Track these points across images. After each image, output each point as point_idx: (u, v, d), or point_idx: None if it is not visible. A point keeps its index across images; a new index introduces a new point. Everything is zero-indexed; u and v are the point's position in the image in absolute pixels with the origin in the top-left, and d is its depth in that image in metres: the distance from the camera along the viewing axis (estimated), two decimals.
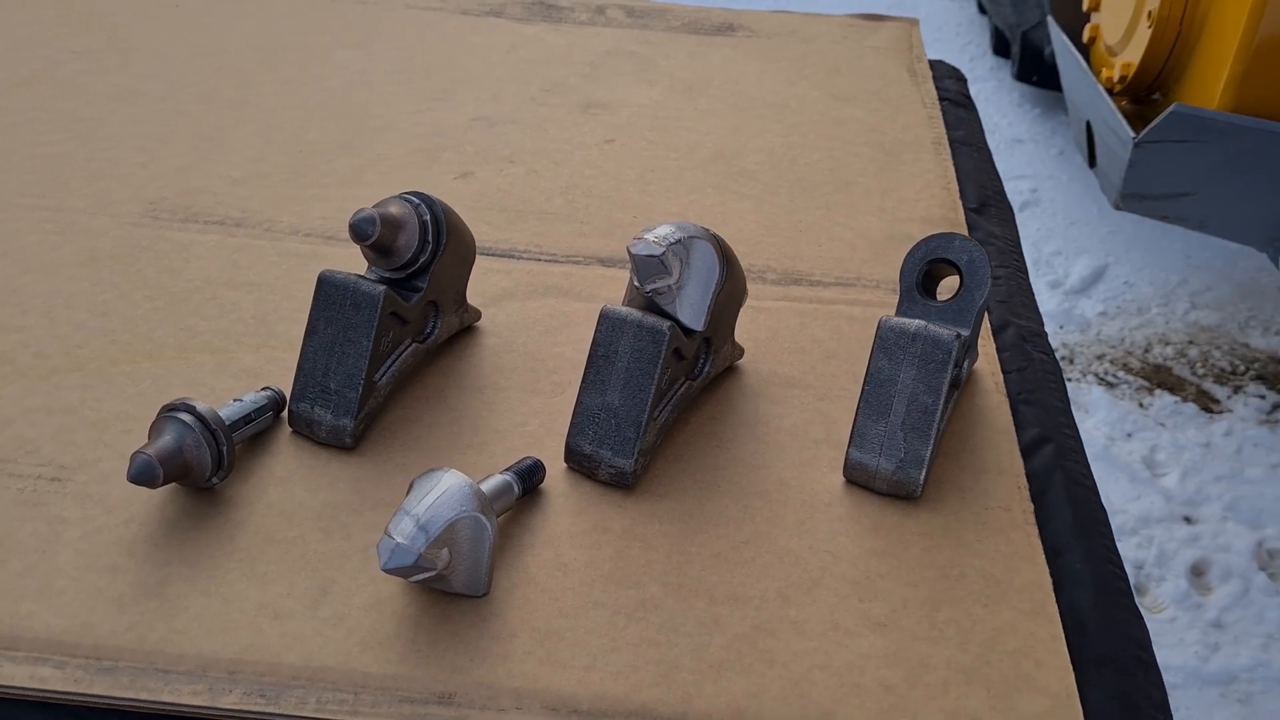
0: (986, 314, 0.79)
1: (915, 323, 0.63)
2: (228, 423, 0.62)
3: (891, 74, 1.20)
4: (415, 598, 0.56)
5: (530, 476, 0.62)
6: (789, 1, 2.16)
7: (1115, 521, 1.76)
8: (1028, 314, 0.83)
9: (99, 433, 0.66)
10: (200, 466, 0.59)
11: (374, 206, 0.65)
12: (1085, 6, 2.27)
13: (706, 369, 0.69)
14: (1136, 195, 1.88)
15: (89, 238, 0.84)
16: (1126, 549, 1.77)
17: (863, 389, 0.64)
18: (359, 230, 0.64)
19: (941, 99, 1.14)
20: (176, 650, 0.53)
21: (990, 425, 0.70)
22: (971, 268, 0.67)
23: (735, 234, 0.86)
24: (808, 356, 0.76)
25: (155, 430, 0.60)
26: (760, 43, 1.27)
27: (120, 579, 0.57)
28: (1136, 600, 0.61)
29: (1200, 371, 2.20)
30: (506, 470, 0.61)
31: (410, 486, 0.55)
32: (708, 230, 0.66)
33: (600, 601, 0.57)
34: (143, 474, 0.57)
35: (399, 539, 0.52)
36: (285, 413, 0.67)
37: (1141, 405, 2.11)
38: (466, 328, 0.76)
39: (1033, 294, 0.87)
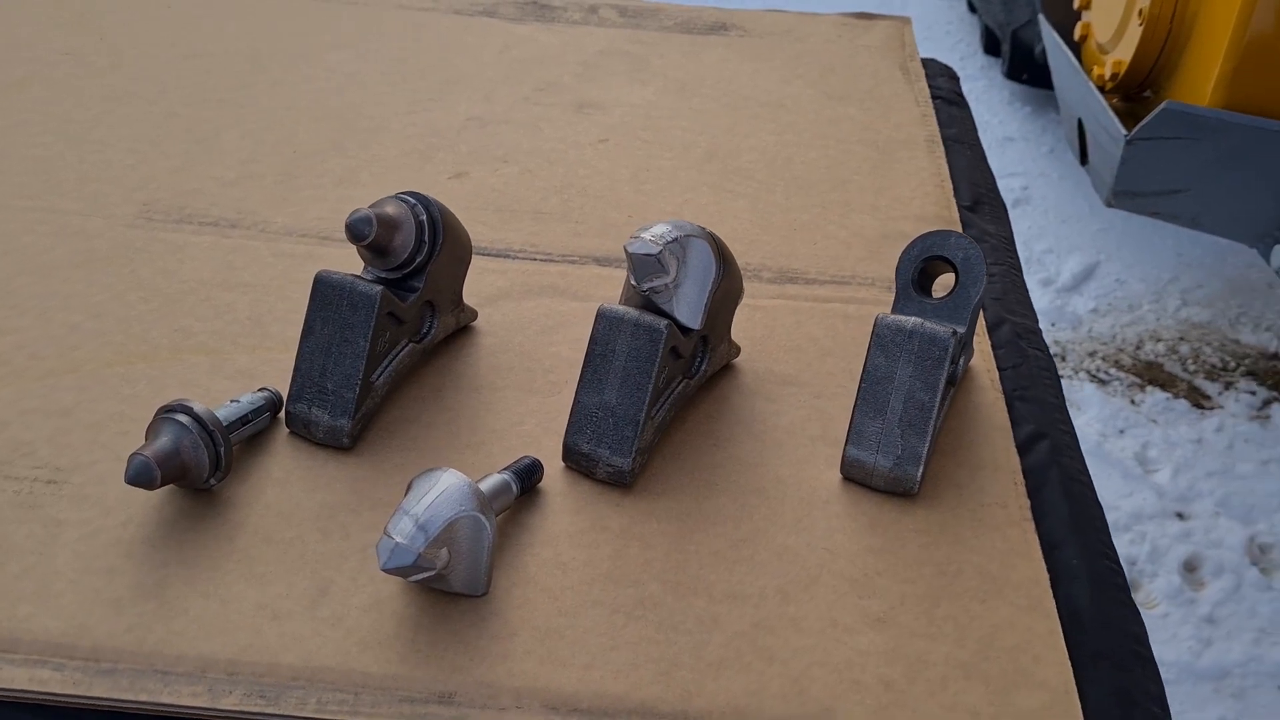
0: (982, 311, 0.79)
1: (911, 320, 0.63)
2: (225, 424, 0.62)
3: (884, 73, 1.20)
4: (415, 598, 0.56)
5: (528, 476, 0.62)
6: (781, 1, 2.16)
7: (1108, 518, 1.77)
8: (1022, 311, 0.83)
9: (95, 434, 0.66)
10: (198, 468, 0.59)
11: (370, 206, 0.65)
12: (1076, 4, 2.28)
13: (703, 367, 0.69)
14: (1128, 192, 1.89)
15: (83, 239, 0.84)
16: (1119, 545, 1.77)
17: (859, 386, 0.64)
18: (355, 230, 0.64)
19: (934, 97, 1.15)
20: (175, 651, 0.53)
21: (986, 422, 0.70)
22: (967, 265, 0.67)
23: (730, 233, 0.86)
24: (804, 354, 0.76)
25: (152, 431, 0.59)
26: (753, 42, 1.27)
27: (118, 580, 0.56)
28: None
29: (1191, 368, 2.21)
30: (505, 470, 0.61)
31: (409, 486, 0.55)
32: (704, 229, 0.66)
33: (599, 600, 0.57)
34: (140, 475, 0.57)
35: (398, 539, 0.52)
36: (282, 413, 0.67)
37: (1133, 402, 2.12)
38: (463, 328, 0.76)
39: (1027, 291, 0.87)
